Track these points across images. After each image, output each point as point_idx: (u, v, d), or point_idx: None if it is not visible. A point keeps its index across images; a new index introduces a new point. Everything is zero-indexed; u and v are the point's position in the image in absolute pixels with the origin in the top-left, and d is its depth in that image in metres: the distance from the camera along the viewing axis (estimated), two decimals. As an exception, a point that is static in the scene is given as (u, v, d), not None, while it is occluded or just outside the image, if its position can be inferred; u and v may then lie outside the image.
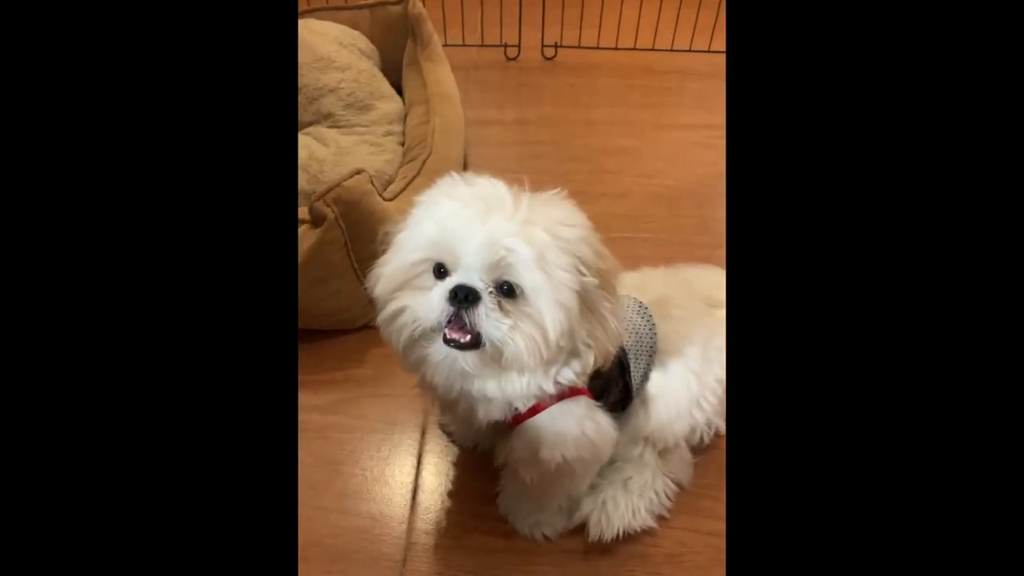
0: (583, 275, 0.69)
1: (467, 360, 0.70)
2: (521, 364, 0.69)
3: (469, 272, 0.68)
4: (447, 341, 0.69)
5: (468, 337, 0.68)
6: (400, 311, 0.71)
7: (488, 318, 0.67)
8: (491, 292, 0.68)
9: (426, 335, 0.71)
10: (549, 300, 0.67)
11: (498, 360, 0.70)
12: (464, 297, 0.67)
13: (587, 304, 0.71)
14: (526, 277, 0.67)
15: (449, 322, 0.68)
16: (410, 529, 0.97)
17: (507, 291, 0.69)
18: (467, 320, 0.68)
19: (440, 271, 0.70)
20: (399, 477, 1.03)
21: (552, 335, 0.68)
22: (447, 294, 0.68)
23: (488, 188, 0.71)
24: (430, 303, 0.69)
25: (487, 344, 0.69)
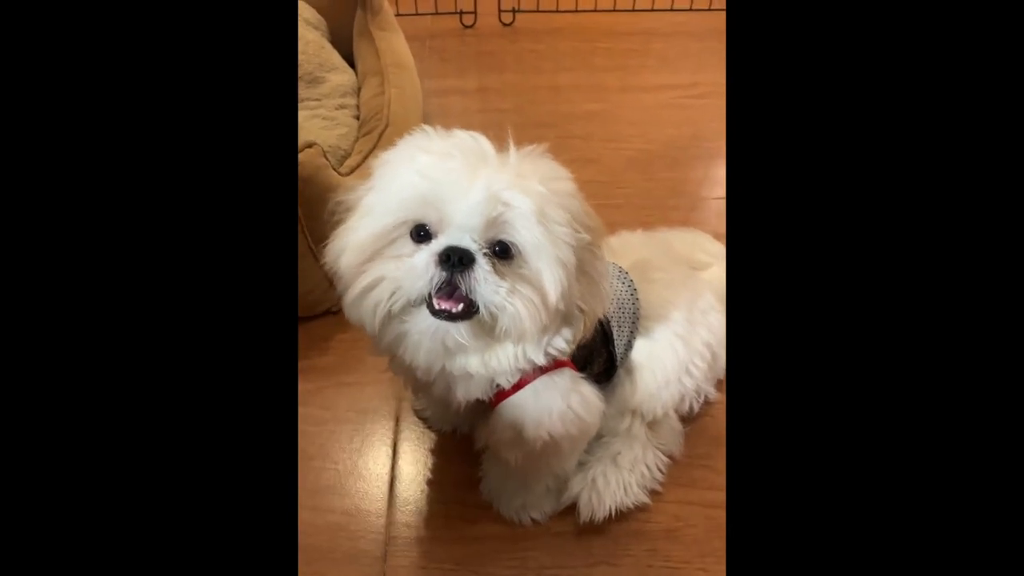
0: (577, 232, 0.63)
1: (460, 332, 0.62)
2: (520, 331, 0.62)
3: (459, 232, 0.60)
4: (436, 312, 0.61)
5: (461, 306, 0.61)
6: (376, 283, 0.62)
7: (486, 282, 0.60)
8: (485, 253, 0.60)
9: (405, 309, 0.63)
10: (549, 258, 0.61)
11: (491, 330, 0.63)
12: (458, 260, 0.59)
13: (580, 264, 0.65)
14: (525, 234, 0.60)
15: (438, 290, 0.61)
16: (389, 523, 0.91)
17: (500, 252, 0.62)
18: (462, 286, 0.60)
19: (421, 234, 0.62)
20: (374, 469, 0.97)
21: (552, 297, 0.61)
22: (436, 258, 0.60)
23: (469, 141, 0.63)
24: (415, 270, 0.60)
25: (483, 312, 0.61)
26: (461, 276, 0.60)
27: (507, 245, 0.62)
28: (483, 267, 0.60)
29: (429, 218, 0.61)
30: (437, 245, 0.60)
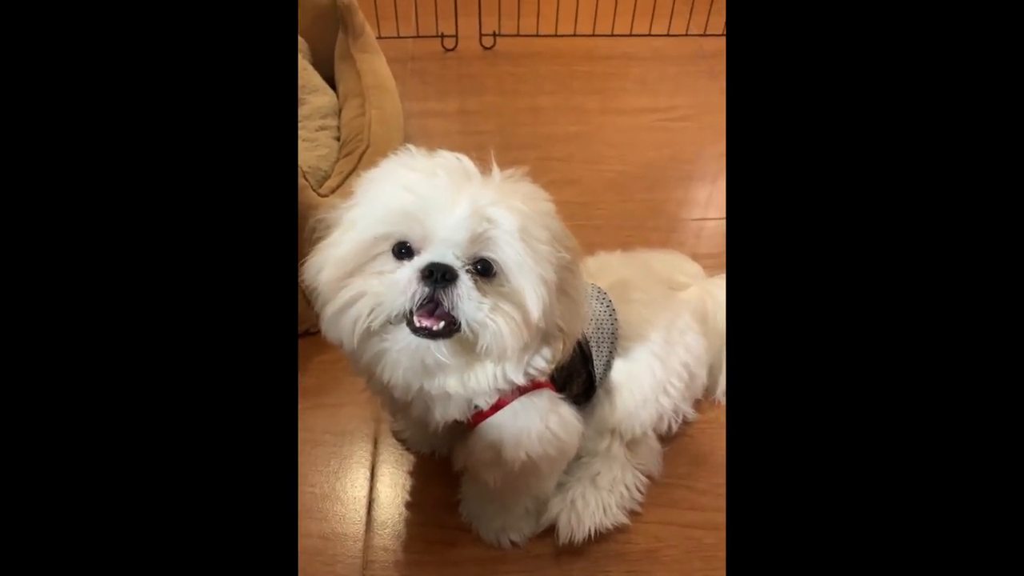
0: (558, 251, 0.63)
1: (440, 350, 0.62)
2: (502, 349, 0.62)
3: (443, 248, 0.60)
4: (417, 330, 0.61)
5: (441, 324, 0.60)
6: (356, 298, 0.62)
7: (469, 298, 0.60)
8: (467, 271, 0.60)
9: (385, 326, 0.63)
10: (532, 276, 0.61)
11: (472, 348, 0.63)
12: (441, 276, 0.59)
13: (560, 283, 0.65)
14: (509, 251, 0.60)
15: (419, 307, 0.60)
16: (367, 547, 0.90)
17: (482, 270, 0.62)
18: (444, 301, 0.60)
19: (402, 251, 0.62)
20: (351, 492, 0.96)
21: (534, 315, 0.61)
22: (418, 273, 0.60)
23: (453, 160, 0.64)
24: (396, 285, 0.60)
25: (465, 329, 0.61)
26: (443, 292, 0.60)
27: (489, 263, 0.62)
28: (466, 283, 0.60)
29: (412, 234, 0.61)
30: (420, 261, 0.60)
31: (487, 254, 0.61)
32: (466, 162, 0.64)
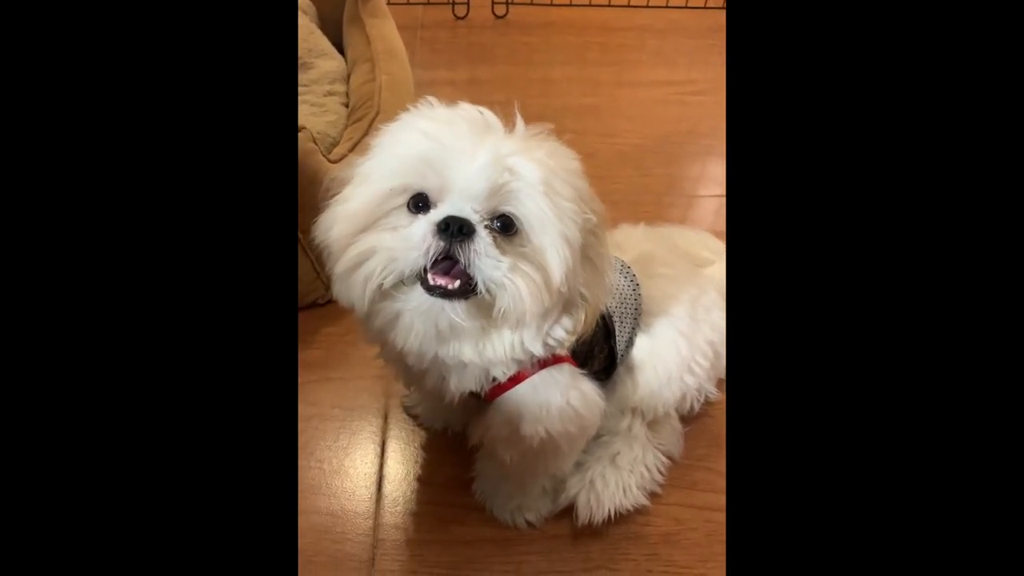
0: (584, 212, 0.59)
1: (456, 311, 0.57)
2: (520, 313, 0.58)
3: (460, 200, 0.56)
4: (431, 288, 0.57)
5: (457, 282, 0.56)
6: (368, 254, 0.58)
7: (487, 255, 0.56)
8: (486, 226, 0.57)
9: (398, 286, 0.59)
10: (554, 234, 0.57)
11: (489, 311, 0.59)
12: (457, 230, 0.55)
13: (584, 248, 0.61)
14: (531, 206, 0.56)
15: (434, 264, 0.56)
16: (377, 525, 0.87)
17: (502, 227, 0.58)
18: (460, 258, 0.56)
19: (419, 205, 0.58)
20: (361, 467, 0.92)
21: (556, 277, 0.57)
22: (434, 227, 0.55)
23: (473, 112, 0.60)
24: (410, 240, 0.56)
25: (481, 289, 0.57)
26: (460, 248, 0.56)
27: (510, 220, 0.58)
28: (484, 238, 0.56)
29: (429, 184, 0.58)
30: (436, 214, 0.56)
31: (508, 209, 0.57)
32: (488, 115, 0.61)
